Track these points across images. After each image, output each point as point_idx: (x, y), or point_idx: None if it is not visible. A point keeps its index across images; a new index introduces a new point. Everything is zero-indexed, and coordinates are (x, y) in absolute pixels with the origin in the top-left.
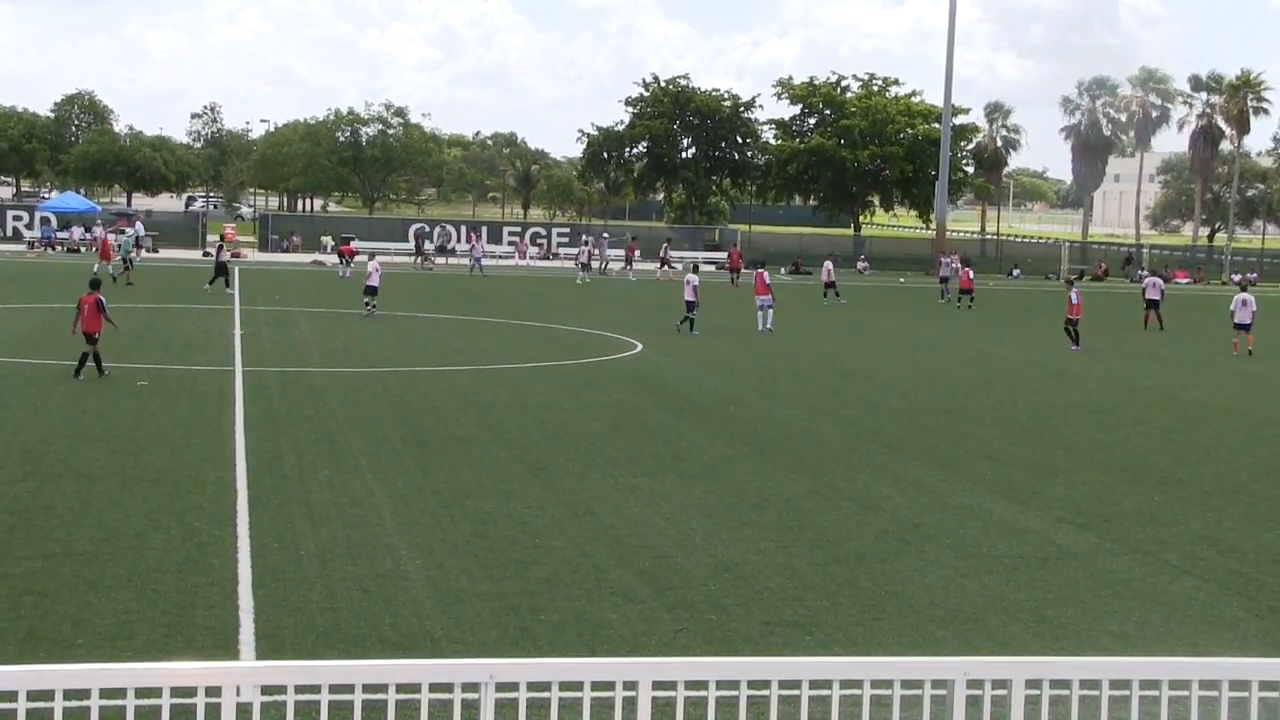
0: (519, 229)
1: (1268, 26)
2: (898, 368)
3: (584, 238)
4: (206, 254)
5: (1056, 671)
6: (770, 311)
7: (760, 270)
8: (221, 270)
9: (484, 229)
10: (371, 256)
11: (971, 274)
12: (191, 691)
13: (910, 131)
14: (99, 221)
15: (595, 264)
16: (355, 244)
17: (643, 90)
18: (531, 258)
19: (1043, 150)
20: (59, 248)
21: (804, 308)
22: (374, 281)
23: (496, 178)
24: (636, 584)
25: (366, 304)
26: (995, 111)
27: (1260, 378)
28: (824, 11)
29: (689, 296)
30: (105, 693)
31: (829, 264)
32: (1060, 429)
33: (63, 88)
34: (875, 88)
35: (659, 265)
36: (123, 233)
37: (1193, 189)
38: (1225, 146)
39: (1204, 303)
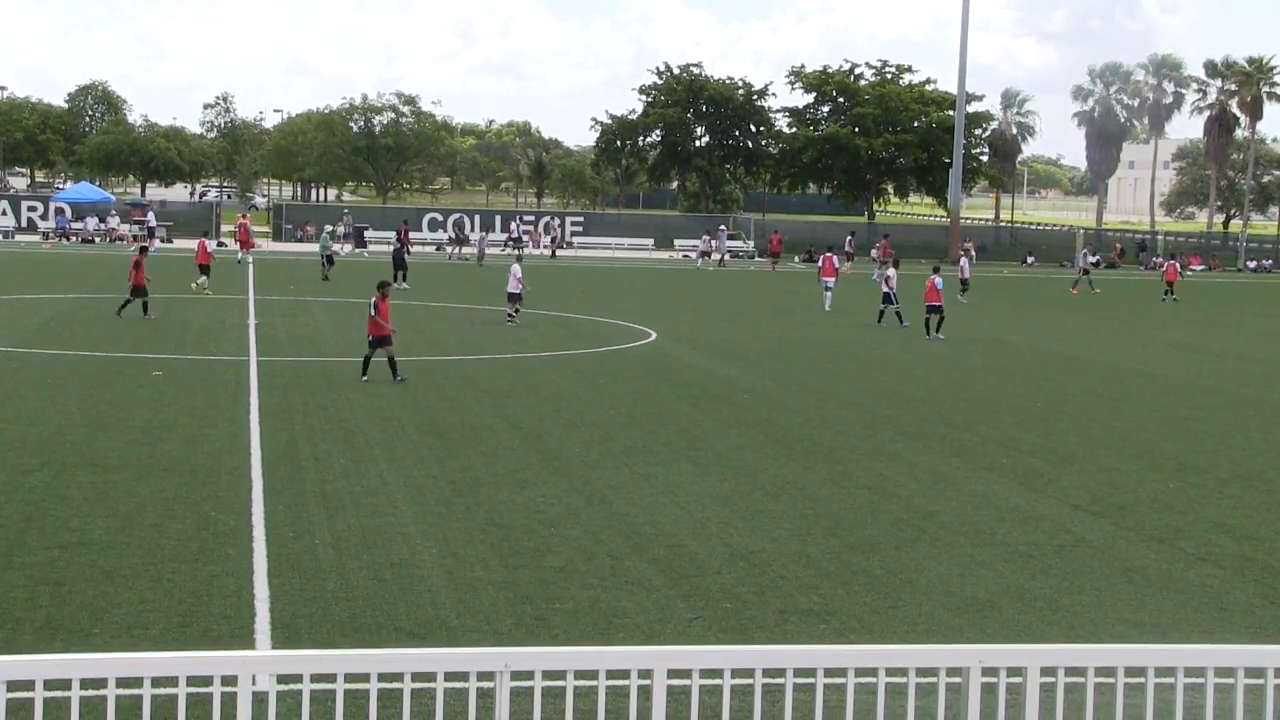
0: (533, 217)
1: None
2: (913, 355)
3: (721, 227)
4: (221, 244)
5: (1071, 659)
6: (830, 293)
7: (828, 254)
8: (400, 263)
9: (497, 218)
10: (518, 258)
11: (1178, 266)
12: (207, 681)
13: (924, 119)
14: (246, 210)
15: (714, 255)
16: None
17: (656, 79)
18: (544, 246)
19: (1059, 137)
20: (73, 238)
21: (818, 296)
22: (515, 287)
23: (510, 167)
24: (651, 572)
25: (514, 312)
26: (1011, 99)
27: (1277, 364)
28: None
29: (885, 288)
30: (122, 682)
31: (965, 260)
32: (1075, 416)
33: (77, 79)
34: (889, 75)
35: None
36: (330, 229)
37: (1207, 175)
38: (1240, 133)
39: (1219, 290)
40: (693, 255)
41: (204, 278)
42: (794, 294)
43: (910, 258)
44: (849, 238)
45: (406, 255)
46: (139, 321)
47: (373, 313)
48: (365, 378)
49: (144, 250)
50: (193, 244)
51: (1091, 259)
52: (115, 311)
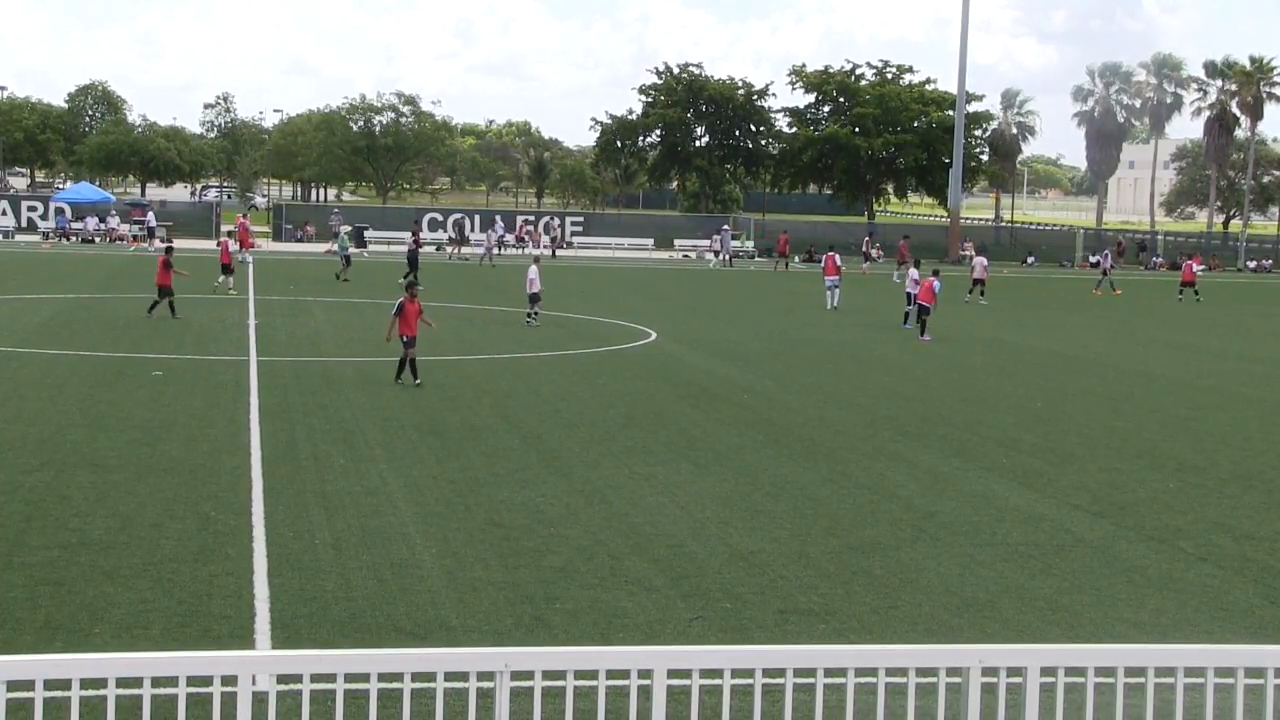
0: (532, 217)
1: None
2: (913, 355)
3: (724, 227)
4: (222, 243)
5: (1071, 659)
6: (837, 291)
7: (831, 253)
8: (414, 263)
9: (496, 218)
10: (535, 260)
11: (1195, 267)
12: (207, 681)
13: (924, 119)
14: (246, 209)
15: (723, 255)
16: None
17: (656, 79)
18: (544, 247)
19: (1060, 137)
20: (73, 238)
21: (819, 296)
22: (536, 288)
23: (510, 167)
24: (651, 572)
25: (535, 314)
26: (1011, 99)
27: (1276, 364)
28: None
29: (910, 289)
30: (122, 682)
31: (982, 259)
32: (1075, 416)
33: (77, 79)
34: (889, 75)
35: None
36: (340, 231)
37: (1207, 175)
38: (1240, 133)
39: (1219, 290)
40: (693, 255)
41: (229, 278)
42: (794, 294)
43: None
44: (867, 239)
45: (419, 256)
46: (140, 321)
47: (394, 313)
48: (417, 381)
49: (170, 250)
50: (195, 244)
51: (1104, 260)
52: (147, 312)
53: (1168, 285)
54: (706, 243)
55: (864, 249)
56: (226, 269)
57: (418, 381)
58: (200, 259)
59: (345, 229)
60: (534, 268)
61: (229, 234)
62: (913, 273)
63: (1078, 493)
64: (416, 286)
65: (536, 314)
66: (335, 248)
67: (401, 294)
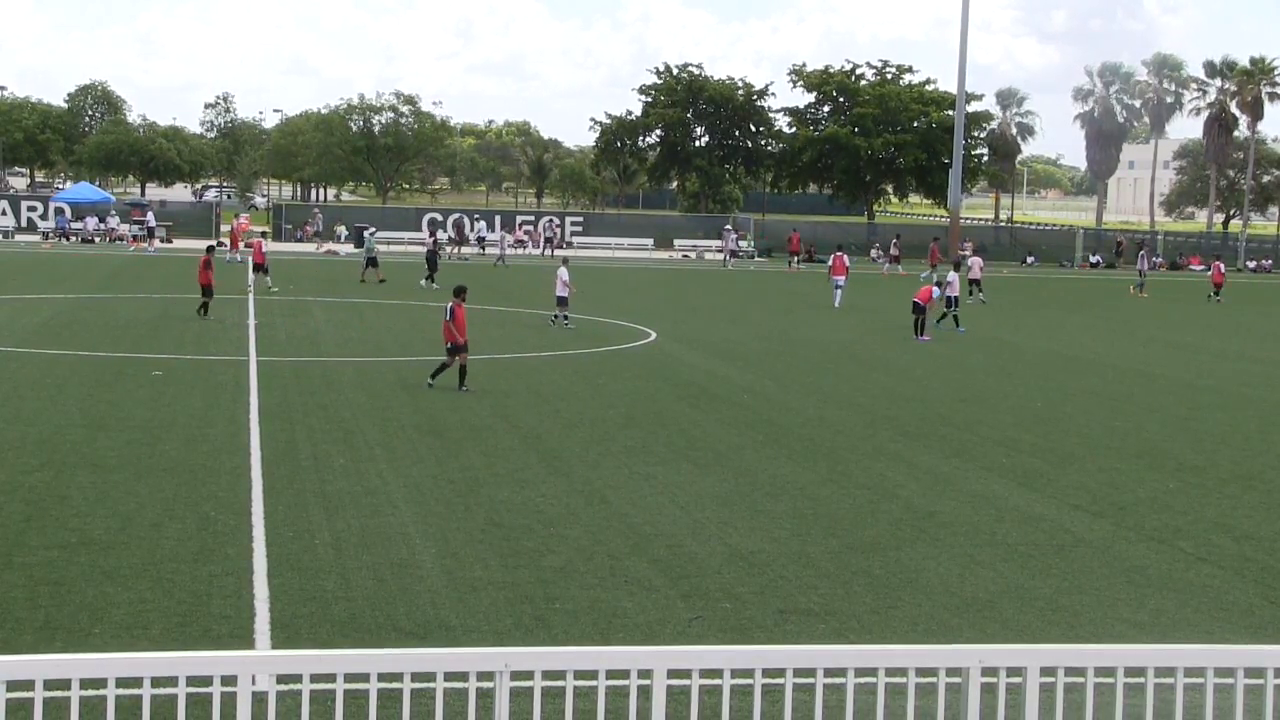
0: (532, 217)
1: None
2: (913, 355)
3: (726, 228)
4: (221, 244)
5: (1071, 659)
6: (840, 291)
7: (839, 253)
8: (433, 264)
9: (497, 218)
10: (564, 261)
11: (1223, 268)
12: (207, 681)
13: (924, 119)
14: (245, 209)
15: (735, 254)
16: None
17: (656, 79)
18: (542, 246)
19: (1060, 137)
20: (73, 238)
21: (819, 296)
22: (563, 290)
23: (510, 166)
24: (651, 572)
25: (557, 316)
26: (1009, 98)
27: (1276, 364)
28: None
29: (951, 293)
30: (121, 682)
31: (978, 260)
32: (1075, 416)
33: (77, 79)
34: (889, 75)
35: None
36: (367, 231)
37: (1207, 175)
38: (1240, 133)
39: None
40: (693, 255)
41: (266, 277)
42: (794, 294)
43: (911, 258)
44: (895, 240)
45: (439, 257)
46: (140, 321)
47: (448, 318)
48: (431, 383)
49: (211, 249)
50: (193, 244)
51: (1141, 263)
52: (195, 312)
53: (1168, 285)
54: (706, 243)
55: (894, 251)
56: (261, 268)
57: (431, 383)
58: (197, 260)
59: (369, 231)
60: (563, 269)
61: (262, 234)
62: (951, 275)
63: (1078, 493)
64: (466, 290)
65: (558, 316)
66: (363, 250)
67: (450, 299)
